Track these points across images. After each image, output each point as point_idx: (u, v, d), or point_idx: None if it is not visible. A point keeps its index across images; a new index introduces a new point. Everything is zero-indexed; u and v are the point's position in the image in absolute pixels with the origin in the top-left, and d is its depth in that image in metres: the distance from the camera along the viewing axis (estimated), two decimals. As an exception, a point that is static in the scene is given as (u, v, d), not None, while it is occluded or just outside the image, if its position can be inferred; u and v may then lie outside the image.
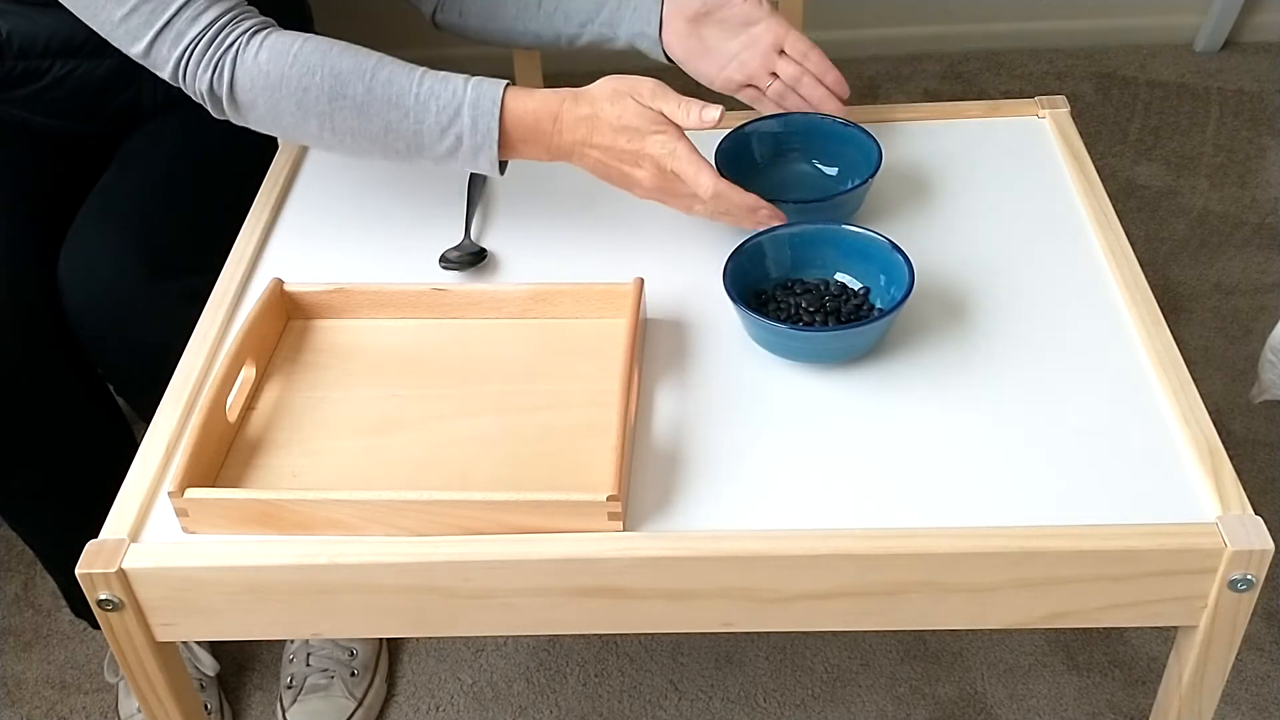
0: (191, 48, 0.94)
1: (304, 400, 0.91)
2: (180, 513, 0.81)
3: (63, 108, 1.26)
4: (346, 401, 0.90)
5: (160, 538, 0.82)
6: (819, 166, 1.08)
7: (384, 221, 1.08)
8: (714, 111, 0.92)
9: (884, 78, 2.30)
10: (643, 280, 0.94)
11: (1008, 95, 1.88)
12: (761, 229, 0.95)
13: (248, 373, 0.91)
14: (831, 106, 1.08)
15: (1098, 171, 1.06)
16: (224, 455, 0.86)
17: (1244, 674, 1.34)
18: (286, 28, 0.98)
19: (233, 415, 0.88)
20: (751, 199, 0.95)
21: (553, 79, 1.20)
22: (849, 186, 1.02)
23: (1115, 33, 2.32)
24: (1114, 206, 1.02)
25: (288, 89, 0.94)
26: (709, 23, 1.09)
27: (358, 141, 0.96)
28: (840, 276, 0.95)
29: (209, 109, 0.98)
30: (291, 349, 0.95)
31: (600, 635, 1.42)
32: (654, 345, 0.93)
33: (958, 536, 0.77)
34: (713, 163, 0.96)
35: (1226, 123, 2.14)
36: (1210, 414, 0.83)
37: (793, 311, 0.91)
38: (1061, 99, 1.15)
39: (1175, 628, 0.82)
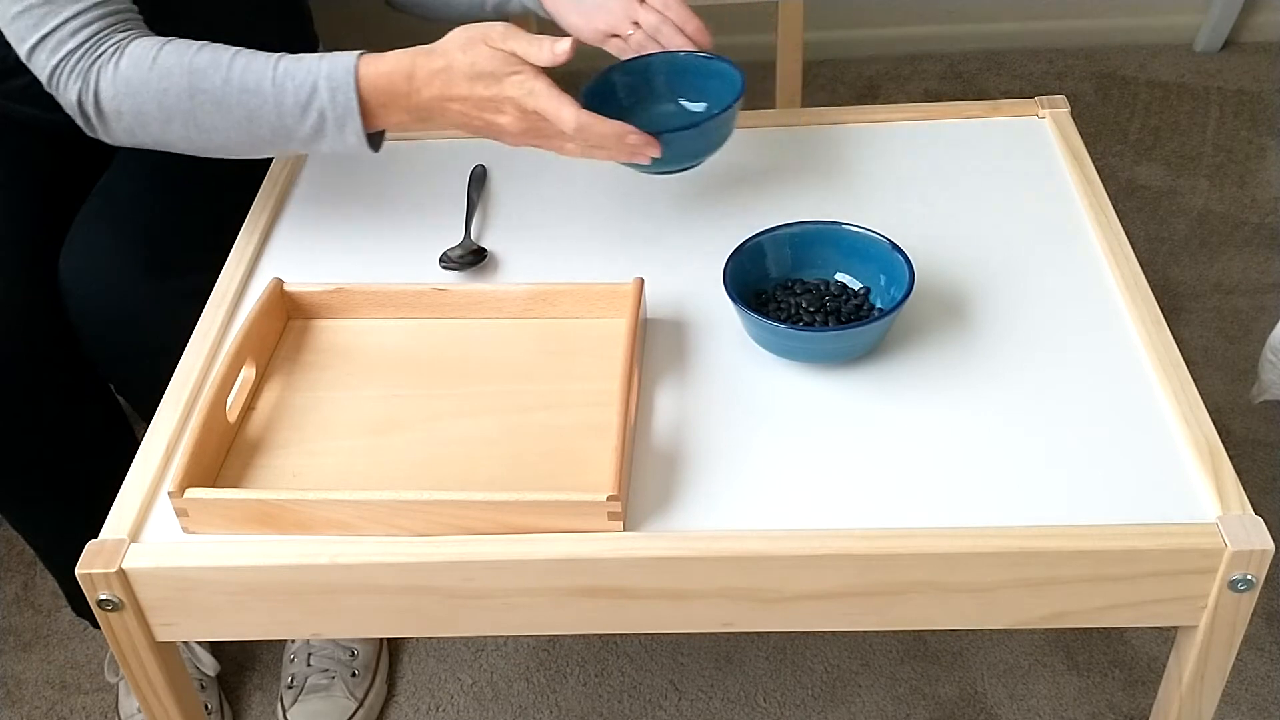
0: (65, 60, 0.94)
1: (304, 400, 0.91)
2: (180, 513, 0.81)
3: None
4: (346, 401, 0.90)
5: (160, 538, 0.82)
6: (684, 104, 1.07)
7: (384, 221, 1.08)
8: (565, 44, 0.90)
9: (884, 78, 2.29)
10: (643, 280, 0.94)
11: (1008, 95, 1.88)
12: (638, 161, 0.94)
13: (248, 373, 0.91)
14: None
15: (1098, 171, 1.06)
16: (224, 455, 0.86)
17: (1244, 674, 1.34)
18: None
19: (233, 415, 0.88)
20: (619, 126, 0.92)
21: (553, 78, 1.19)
22: (715, 113, 1.00)
23: (1115, 33, 2.32)
24: (1114, 206, 1.02)
25: (149, 92, 0.93)
26: None
27: (224, 135, 0.95)
28: (840, 276, 0.95)
29: (82, 127, 0.97)
30: (291, 349, 0.95)
31: (600, 635, 1.42)
32: (654, 345, 0.93)
33: (958, 536, 0.77)
34: None
35: (1226, 123, 2.14)
36: (1210, 414, 0.83)
37: (793, 311, 0.91)
38: (1061, 99, 1.15)
39: (1175, 628, 0.82)
